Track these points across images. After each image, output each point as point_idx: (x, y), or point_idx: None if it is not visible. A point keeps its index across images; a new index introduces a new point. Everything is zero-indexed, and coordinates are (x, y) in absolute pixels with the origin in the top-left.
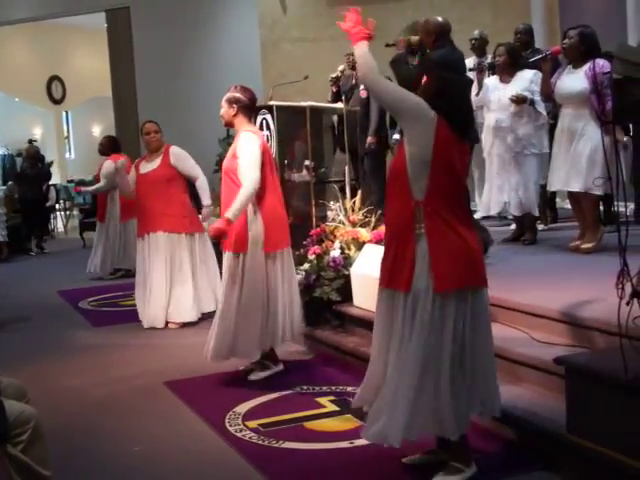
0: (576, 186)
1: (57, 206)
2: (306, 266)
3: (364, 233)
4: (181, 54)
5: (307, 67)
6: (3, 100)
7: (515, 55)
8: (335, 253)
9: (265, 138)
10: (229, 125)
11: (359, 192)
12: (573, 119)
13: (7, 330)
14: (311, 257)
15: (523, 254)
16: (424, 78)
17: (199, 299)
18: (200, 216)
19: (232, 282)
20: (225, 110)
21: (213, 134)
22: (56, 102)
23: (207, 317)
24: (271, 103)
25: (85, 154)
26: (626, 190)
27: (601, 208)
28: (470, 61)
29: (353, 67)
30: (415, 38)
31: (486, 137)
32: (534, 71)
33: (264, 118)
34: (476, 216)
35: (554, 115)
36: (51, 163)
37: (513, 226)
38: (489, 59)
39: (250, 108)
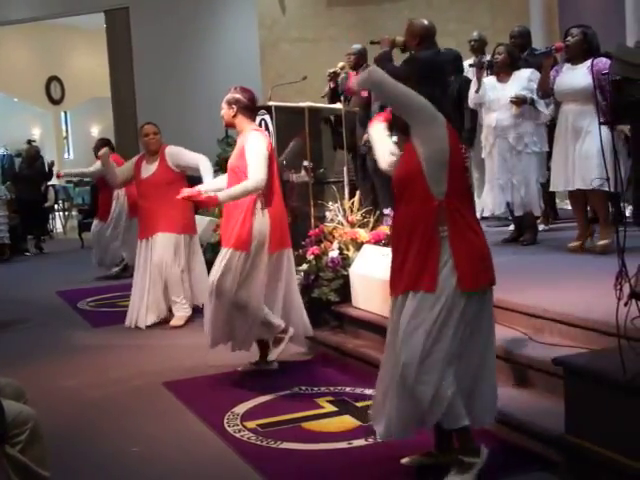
0: (585, 185)
1: (56, 206)
2: (305, 267)
3: (363, 234)
4: (180, 54)
5: (306, 67)
6: (2, 100)
7: (514, 55)
8: (334, 254)
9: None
10: (230, 126)
11: (357, 192)
12: (577, 116)
13: (6, 330)
14: (310, 258)
15: (522, 254)
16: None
17: (194, 295)
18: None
19: (229, 277)
20: (225, 111)
21: (212, 134)
22: (55, 102)
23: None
24: (270, 104)
25: (84, 154)
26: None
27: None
28: (469, 61)
29: (354, 67)
30: (400, 39)
31: (486, 137)
32: (531, 70)
33: (263, 119)
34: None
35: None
36: (52, 163)
37: (512, 227)
38: (488, 58)
39: (250, 108)
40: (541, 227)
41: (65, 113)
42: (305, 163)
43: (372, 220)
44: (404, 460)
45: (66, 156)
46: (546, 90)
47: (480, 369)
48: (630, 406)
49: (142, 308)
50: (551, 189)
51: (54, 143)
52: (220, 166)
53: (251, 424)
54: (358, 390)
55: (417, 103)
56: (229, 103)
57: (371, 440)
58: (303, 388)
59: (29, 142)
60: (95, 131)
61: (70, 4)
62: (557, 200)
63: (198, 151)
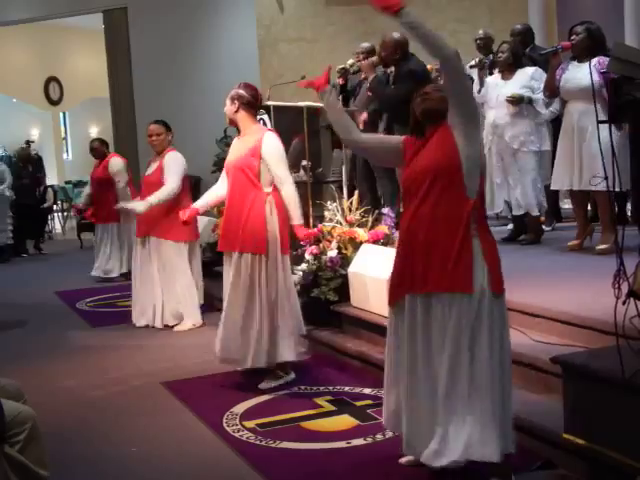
0: (593, 185)
1: (55, 207)
2: (303, 266)
3: (361, 233)
4: (178, 54)
5: (304, 67)
6: (0, 101)
7: (517, 53)
8: (332, 253)
9: None
10: (232, 122)
11: (356, 192)
12: (582, 115)
13: (5, 330)
14: (308, 257)
15: (521, 253)
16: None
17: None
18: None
19: (249, 285)
20: (227, 107)
21: (211, 134)
22: (53, 103)
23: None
24: (268, 103)
25: (82, 155)
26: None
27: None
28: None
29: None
30: (373, 59)
31: (486, 134)
32: (534, 68)
33: (261, 118)
34: None
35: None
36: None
37: (510, 226)
38: (491, 58)
39: (253, 105)
40: (544, 227)
41: (64, 113)
42: (303, 162)
43: (371, 219)
44: (403, 460)
45: (65, 157)
46: (553, 89)
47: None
48: (628, 405)
49: (158, 308)
50: (552, 187)
51: (53, 144)
52: (218, 166)
53: (250, 424)
54: (357, 389)
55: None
56: (232, 99)
57: (370, 440)
58: (302, 388)
59: (27, 143)
60: (94, 131)
61: (68, 4)
62: (559, 201)
63: (197, 151)
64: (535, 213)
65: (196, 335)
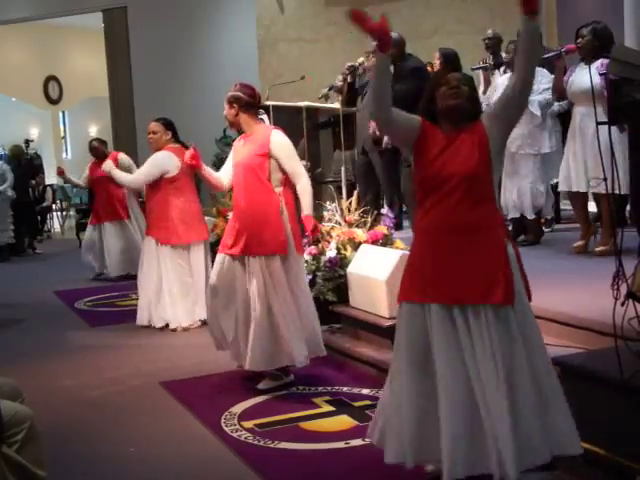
0: (595, 188)
1: (54, 206)
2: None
3: (360, 233)
4: (178, 54)
5: (304, 67)
6: (0, 100)
7: None
8: (331, 253)
9: None
10: (234, 126)
11: (355, 192)
12: (585, 117)
13: (3, 330)
14: (307, 257)
15: (520, 254)
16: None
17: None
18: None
19: (276, 286)
20: (226, 111)
21: (210, 134)
22: (53, 102)
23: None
24: (268, 103)
25: (82, 154)
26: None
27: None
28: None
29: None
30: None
31: None
32: (538, 69)
33: (260, 118)
34: None
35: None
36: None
37: (510, 227)
38: (503, 58)
39: (252, 105)
40: (544, 229)
41: (63, 113)
42: (303, 163)
43: (370, 220)
44: (428, 468)
45: (64, 156)
46: (560, 92)
47: None
48: (627, 406)
49: (178, 310)
50: (559, 189)
51: (52, 143)
52: (218, 166)
53: (248, 424)
54: (355, 390)
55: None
56: (229, 102)
57: (368, 440)
58: (300, 388)
59: (26, 142)
60: (93, 131)
61: (68, 3)
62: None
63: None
64: (530, 216)
65: (195, 335)
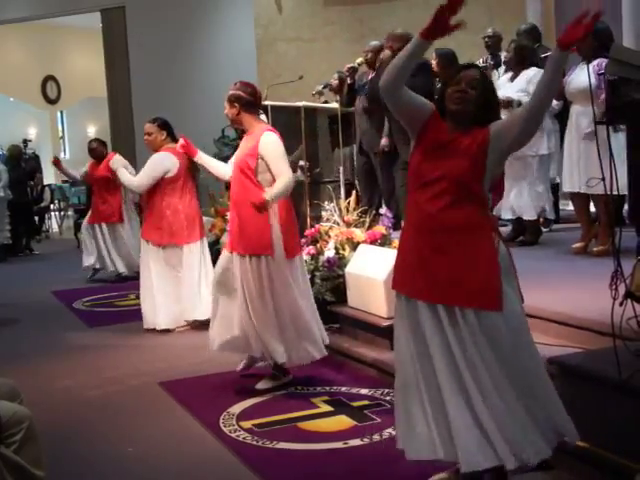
0: (590, 188)
1: (52, 206)
2: None
3: (359, 233)
4: (176, 54)
5: (302, 67)
6: None
7: (523, 53)
8: (330, 253)
9: None
10: (235, 124)
11: (354, 192)
12: (580, 117)
13: (1, 330)
14: (306, 257)
15: (517, 255)
16: None
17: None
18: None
19: (257, 288)
20: (227, 110)
21: (208, 134)
22: (51, 102)
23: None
24: (266, 103)
25: (80, 154)
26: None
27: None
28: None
29: (370, 65)
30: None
31: None
32: (535, 70)
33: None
34: None
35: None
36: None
37: (509, 227)
38: (502, 57)
39: (253, 104)
40: (542, 229)
41: (61, 113)
42: (301, 162)
43: (368, 220)
44: (435, 477)
45: (62, 156)
46: (560, 91)
47: None
48: (625, 406)
49: (164, 312)
50: (563, 190)
51: (50, 143)
52: None
53: (247, 424)
54: (354, 390)
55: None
56: (230, 101)
57: (367, 440)
58: (299, 388)
59: (24, 142)
60: (91, 131)
61: (66, 3)
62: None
63: None
64: (527, 217)
65: (193, 335)
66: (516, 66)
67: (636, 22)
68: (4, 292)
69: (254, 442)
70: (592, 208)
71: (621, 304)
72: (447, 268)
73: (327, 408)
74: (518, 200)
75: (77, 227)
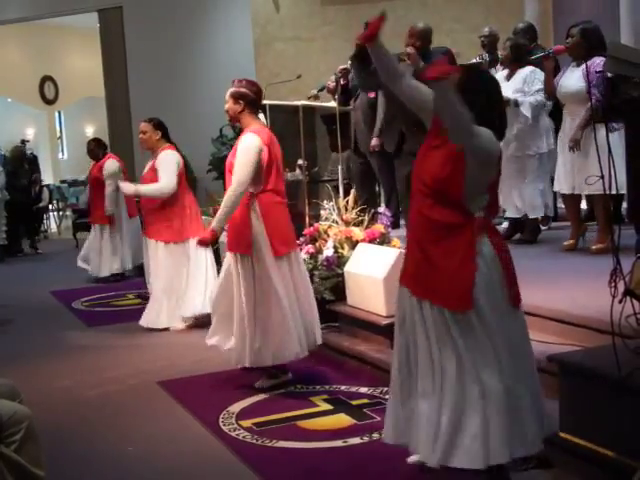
0: (587, 189)
1: (50, 207)
2: None
3: (357, 232)
4: (174, 53)
5: (300, 66)
6: None
7: (517, 51)
8: (328, 252)
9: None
10: (235, 121)
11: (352, 191)
12: (575, 117)
13: (0, 330)
14: (304, 256)
15: (517, 253)
16: None
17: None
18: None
19: (244, 286)
20: (230, 106)
21: (206, 134)
22: (49, 102)
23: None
24: (264, 102)
25: (78, 154)
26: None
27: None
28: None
29: None
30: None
31: None
32: (531, 69)
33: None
34: None
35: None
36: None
37: (505, 224)
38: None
39: (255, 103)
40: (541, 227)
41: (59, 113)
42: (299, 162)
43: (367, 219)
44: (410, 458)
45: (60, 156)
46: (551, 92)
47: None
48: (624, 403)
49: (204, 298)
50: (554, 189)
51: (48, 143)
52: (214, 165)
53: (246, 423)
54: (353, 389)
55: (478, 142)
56: (235, 98)
57: (366, 438)
58: (298, 387)
59: (22, 142)
60: (89, 131)
61: (63, 4)
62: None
63: (192, 150)
64: (533, 215)
65: (193, 334)
66: (511, 64)
67: (633, 21)
68: (2, 292)
69: (254, 441)
70: (583, 205)
71: (620, 302)
72: (423, 264)
73: (326, 407)
74: (522, 199)
75: (76, 227)
